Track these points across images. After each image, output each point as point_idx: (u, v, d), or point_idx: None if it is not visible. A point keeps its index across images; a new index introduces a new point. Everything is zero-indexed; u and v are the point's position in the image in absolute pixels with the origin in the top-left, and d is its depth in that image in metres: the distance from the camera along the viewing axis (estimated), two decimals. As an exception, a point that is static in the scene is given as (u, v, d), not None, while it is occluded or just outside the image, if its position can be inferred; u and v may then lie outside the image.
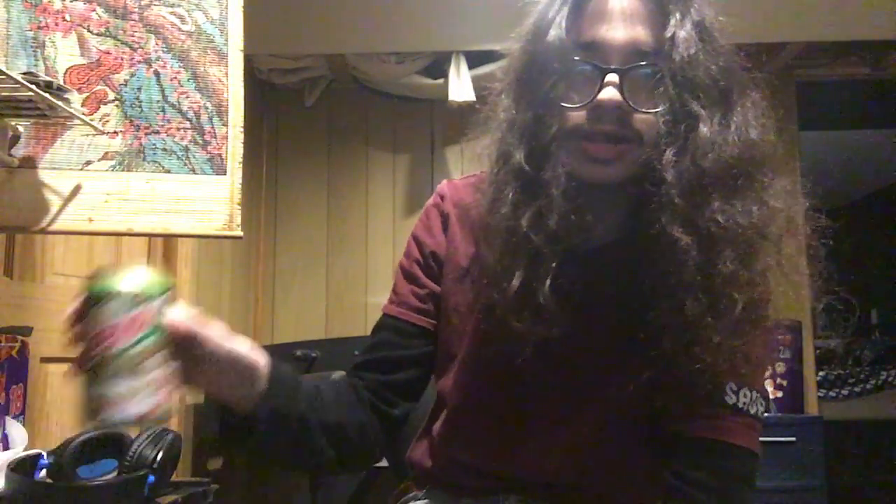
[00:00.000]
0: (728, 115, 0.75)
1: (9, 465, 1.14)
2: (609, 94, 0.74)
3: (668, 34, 0.74)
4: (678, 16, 0.75)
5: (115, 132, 1.21)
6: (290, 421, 0.78)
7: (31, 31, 1.21)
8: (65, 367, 1.82)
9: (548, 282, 0.75)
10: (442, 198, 0.96)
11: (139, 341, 0.63)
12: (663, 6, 0.76)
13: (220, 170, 1.23)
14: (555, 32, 0.78)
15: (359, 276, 3.13)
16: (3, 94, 1.08)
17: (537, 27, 0.80)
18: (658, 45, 0.75)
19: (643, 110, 0.75)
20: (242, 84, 1.25)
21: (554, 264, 0.76)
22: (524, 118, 0.79)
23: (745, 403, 0.78)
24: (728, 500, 0.77)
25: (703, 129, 0.73)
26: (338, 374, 0.98)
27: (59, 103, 1.11)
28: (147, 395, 0.63)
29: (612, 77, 0.74)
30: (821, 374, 3.60)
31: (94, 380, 0.63)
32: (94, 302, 0.64)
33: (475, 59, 2.83)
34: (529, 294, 0.75)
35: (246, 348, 0.72)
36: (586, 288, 0.77)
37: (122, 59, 1.23)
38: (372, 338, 0.94)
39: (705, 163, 0.73)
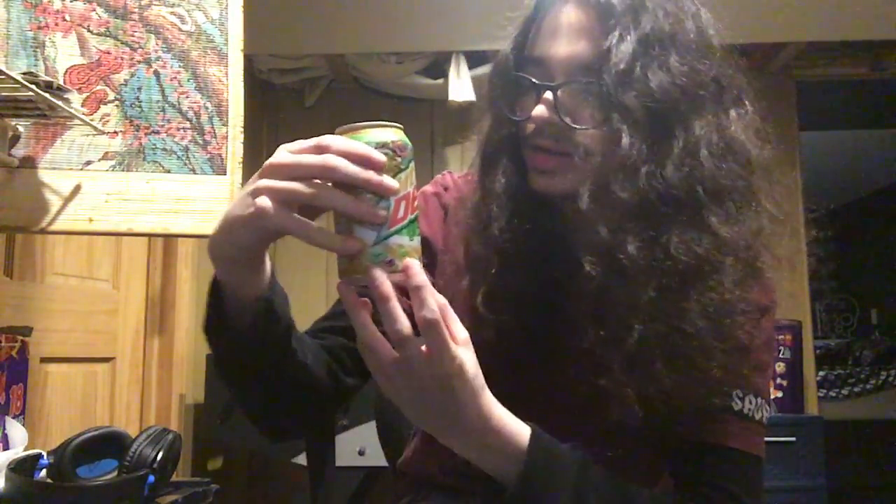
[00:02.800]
0: (668, 136, 0.71)
1: (9, 465, 1.14)
2: (539, 110, 0.74)
3: (605, 47, 0.72)
4: (621, 28, 0.72)
5: (115, 132, 1.21)
6: (284, 321, 0.74)
7: (31, 31, 1.21)
8: (65, 366, 1.82)
9: (483, 288, 0.78)
10: (445, 189, 0.95)
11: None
12: (609, 18, 0.73)
13: (220, 170, 1.23)
14: (507, 48, 0.82)
15: (359, 276, 3.12)
16: (3, 94, 1.08)
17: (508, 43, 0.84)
18: (599, 59, 0.73)
19: (576, 126, 0.73)
20: (242, 84, 1.25)
21: (493, 271, 0.78)
22: (485, 129, 0.85)
23: (750, 409, 0.77)
24: None
25: (624, 152, 0.70)
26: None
27: (59, 103, 1.11)
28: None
29: (547, 94, 0.74)
30: (821, 374, 3.60)
31: (394, 239, 0.61)
32: (405, 154, 0.62)
33: (475, 59, 2.83)
34: (472, 298, 0.79)
35: None
36: (543, 301, 0.78)
37: (122, 59, 1.23)
38: (340, 305, 0.90)
39: (619, 190, 0.70)
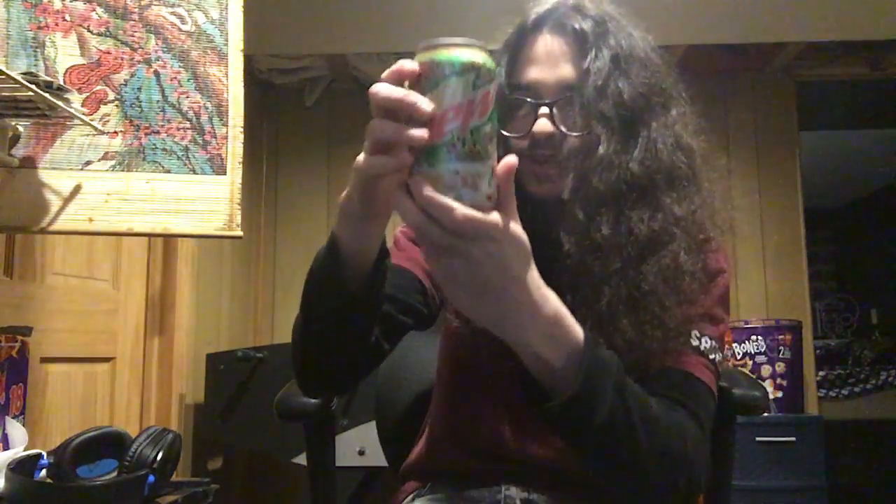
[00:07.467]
0: (634, 136, 0.86)
1: (9, 465, 1.14)
2: (541, 125, 0.86)
3: (585, 67, 0.86)
4: (594, 51, 0.86)
5: (115, 132, 1.21)
6: (382, 286, 0.78)
7: (31, 31, 1.21)
8: (65, 366, 1.82)
9: None
10: None
11: (489, 120, 0.60)
12: (583, 43, 0.86)
13: (220, 170, 1.23)
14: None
15: (359, 276, 3.12)
16: (3, 94, 1.08)
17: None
18: (581, 78, 0.86)
19: (573, 135, 0.86)
20: (242, 84, 1.25)
21: None
22: None
23: (706, 348, 0.87)
24: (691, 417, 0.80)
25: (602, 151, 0.84)
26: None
27: (59, 103, 1.11)
28: (491, 180, 0.60)
29: (545, 110, 0.86)
30: (821, 374, 3.60)
31: (434, 158, 0.58)
32: (436, 73, 0.60)
33: (475, 59, 2.83)
34: None
35: None
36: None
37: (122, 59, 1.23)
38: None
39: (597, 182, 0.83)
